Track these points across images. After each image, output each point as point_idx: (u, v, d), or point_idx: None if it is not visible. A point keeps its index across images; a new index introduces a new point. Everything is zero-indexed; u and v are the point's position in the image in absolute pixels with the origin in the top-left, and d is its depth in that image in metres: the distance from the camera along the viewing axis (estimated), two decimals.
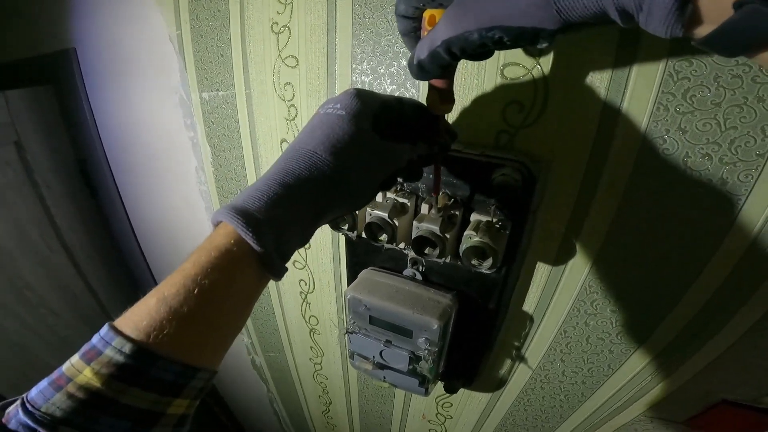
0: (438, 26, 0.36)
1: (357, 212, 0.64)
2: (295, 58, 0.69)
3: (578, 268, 0.66)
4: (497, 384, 0.92)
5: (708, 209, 0.54)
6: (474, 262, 0.59)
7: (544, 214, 0.63)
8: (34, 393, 0.29)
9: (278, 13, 0.67)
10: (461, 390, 0.95)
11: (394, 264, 0.73)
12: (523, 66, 0.54)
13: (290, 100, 0.74)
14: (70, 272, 1.40)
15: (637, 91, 0.50)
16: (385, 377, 0.80)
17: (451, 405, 1.05)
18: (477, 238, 0.56)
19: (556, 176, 0.59)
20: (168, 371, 0.31)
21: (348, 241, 0.76)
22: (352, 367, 0.84)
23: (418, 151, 0.46)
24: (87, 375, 0.28)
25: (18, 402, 0.29)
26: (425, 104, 0.47)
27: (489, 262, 0.57)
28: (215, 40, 0.76)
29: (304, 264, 0.96)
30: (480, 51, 0.36)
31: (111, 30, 0.91)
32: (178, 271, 0.33)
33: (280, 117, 0.77)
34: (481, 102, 0.58)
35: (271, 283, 1.05)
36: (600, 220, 0.60)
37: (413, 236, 0.58)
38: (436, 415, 1.10)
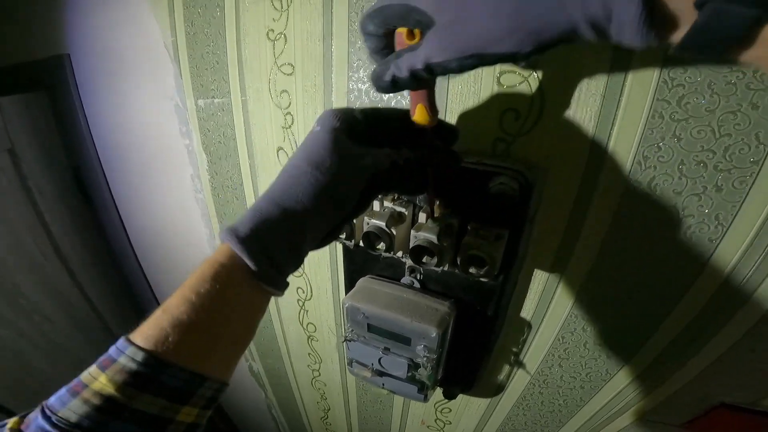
0: (419, 51, 0.37)
1: (354, 221, 0.64)
2: (291, 65, 0.69)
3: (575, 274, 0.66)
4: (496, 389, 0.92)
5: (703, 216, 0.54)
6: (472, 270, 0.59)
7: (541, 222, 0.63)
8: (53, 399, 0.31)
9: (274, 20, 0.67)
10: (460, 396, 0.96)
11: (391, 272, 0.74)
12: (520, 74, 0.54)
13: (286, 108, 0.74)
14: (64, 279, 1.39)
15: (633, 99, 0.51)
16: (384, 384, 0.80)
17: (450, 410, 1.05)
18: (474, 247, 0.56)
19: (552, 184, 0.59)
20: (176, 378, 0.33)
21: (346, 249, 0.76)
22: (350, 373, 0.84)
23: (404, 155, 0.47)
24: (102, 381, 0.31)
25: (38, 408, 0.31)
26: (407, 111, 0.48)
27: (486, 270, 0.57)
28: (211, 47, 0.76)
29: (301, 272, 0.97)
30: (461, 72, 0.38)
31: (105, 36, 0.91)
32: (182, 285, 0.36)
33: (276, 125, 0.77)
34: (477, 110, 0.59)
35: None
36: (596, 228, 0.61)
37: (411, 245, 0.59)
38: (435, 421, 1.11)
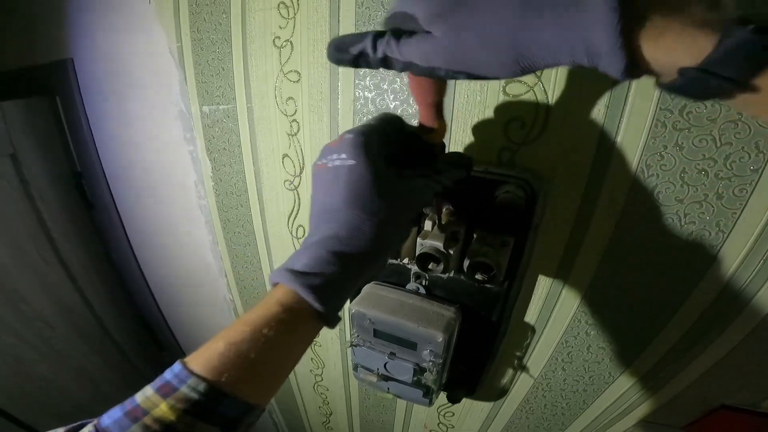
0: (405, 47, 0.37)
1: None
2: (298, 72, 0.71)
3: (579, 280, 0.68)
4: (499, 393, 0.93)
5: (704, 223, 0.55)
6: (478, 276, 0.60)
7: (545, 230, 0.64)
8: (107, 422, 0.31)
9: (280, 27, 0.68)
10: (464, 399, 0.97)
11: (397, 278, 0.75)
12: (525, 83, 0.56)
13: (292, 115, 0.75)
14: (65, 285, 1.40)
15: (636, 108, 0.52)
16: (389, 389, 0.81)
17: (453, 414, 1.06)
18: (481, 254, 0.57)
19: (557, 192, 0.61)
20: (232, 408, 0.34)
21: None
22: (354, 378, 0.85)
23: (441, 182, 0.46)
24: (163, 409, 0.31)
25: (89, 429, 0.31)
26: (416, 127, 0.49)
27: (493, 276, 0.59)
28: (216, 54, 0.77)
29: None
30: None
31: (109, 41, 0.92)
32: (243, 322, 0.37)
33: (282, 132, 0.78)
34: (483, 119, 0.60)
35: None
36: (600, 235, 0.62)
37: (417, 253, 0.60)
38: (438, 425, 1.12)
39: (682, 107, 0.50)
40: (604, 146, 0.55)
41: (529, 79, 0.55)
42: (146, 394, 0.32)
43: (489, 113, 0.59)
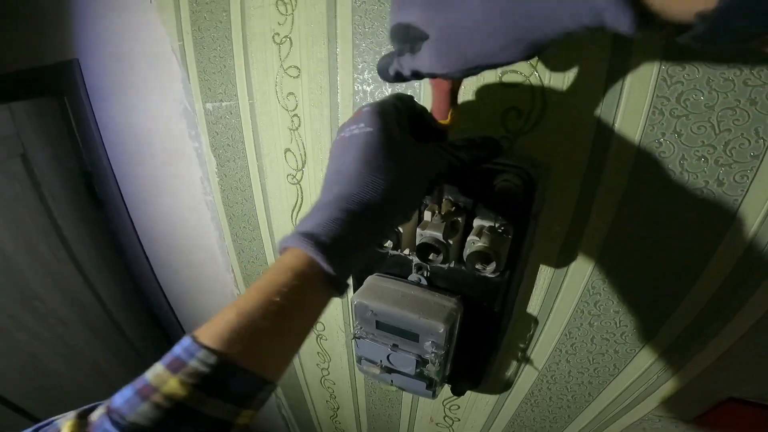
0: (419, 59, 0.38)
1: None
2: (297, 68, 0.71)
3: (580, 270, 0.67)
4: (504, 385, 0.93)
5: (706, 210, 0.55)
6: (478, 266, 0.60)
7: (545, 218, 0.64)
8: (119, 402, 0.30)
9: (279, 24, 0.69)
10: (468, 392, 0.97)
11: (399, 269, 0.75)
12: (521, 73, 0.56)
13: (293, 110, 0.76)
14: (78, 282, 1.42)
15: (633, 96, 0.52)
16: (392, 381, 0.81)
17: (459, 407, 1.06)
18: (480, 244, 0.57)
19: (556, 180, 0.60)
20: (244, 383, 0.33)
21: None
22: (359, 371, 0.85)
23: (460, 157, 0.47)
24: (173, 385, 0.30)
25: (102, 411, 0.30)
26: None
27: (492, 266, 0.59)
28: (217, 51, 0.78)
29: None
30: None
31: (114, 40, 0.93)
32: (254, 289, 0.36)
33: (283, 127, 0.78)
34: (480, 108, 0.60)
35: None
36: (600, 223, 0.62)
37: (417, 243, 0.60)
38: (444, 418, 1.12)
39: (679, 94, 0.49)
40: (602, 134, 0.55)
41: (525, 68, 0.55)
42: (156, 371, 0.31)
43: (486, 103, 0.59)
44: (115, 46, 0.94)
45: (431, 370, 0.74)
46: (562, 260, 0.68)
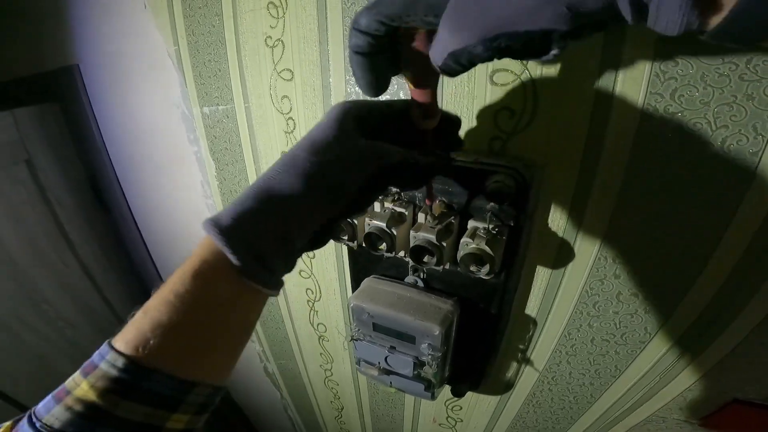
0: (436, 43, 0.33)
1: (356, 222, 0.64)
2: (290, 71, 0.70)
3: (578, 270, 0.66)
4: (505, 386, 0.92)
5: (704, 208, 0.53)
6: (472, 268, 0.59)
7: (540, 218, 0.63)
8: (40, 406, 0.30)
9: (271, 27, 0.68)
10: (470, 393, 0.96)
11: (396, 271, 0.74)
12: (512, 72, 0.54)
13: (288, 113, 0.75)
14: (85, 285, 1.43)
15: (625, 93, 0.50)
16: (391, 382, 0.80)
17: (461, 408, 1.05)
18: (473, 245, 0.56)
19: (550, 180, 0.59)
20: (162, 384, 0.31)
21: (350, 250, 0.77)
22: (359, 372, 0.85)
23: (415, 158, 0.43)
24: (84, 388, 0.29)
25: (27, 414, 0.31)
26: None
27: (486, 268, 0.57)
28: (212, 55, 0.77)
29: (309, 273, 0.97)
30: (493, 58, 0.32)
31: (112, 46, 0.93)
32: (163, 285, 0.34)
33: (279, 130, 0.78)
34: (472, 109, 0.59)
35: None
36: (596, 222, 0.60)
37: (411, 246, 0.59)
38: (447, 419, 1.11)
39: (673, 91, 0.48)
40: (596, 133, 0.54)
41: (516, 67, 0.54)
42: (73, 377, 0.31)
43: (478, 103, 0.58)
44: (114, 51, 0.93)
45: (428, 371, 0.73)
46: (559, 261, 0.66)
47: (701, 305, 0.62)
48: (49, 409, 0.29)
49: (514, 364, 0.86)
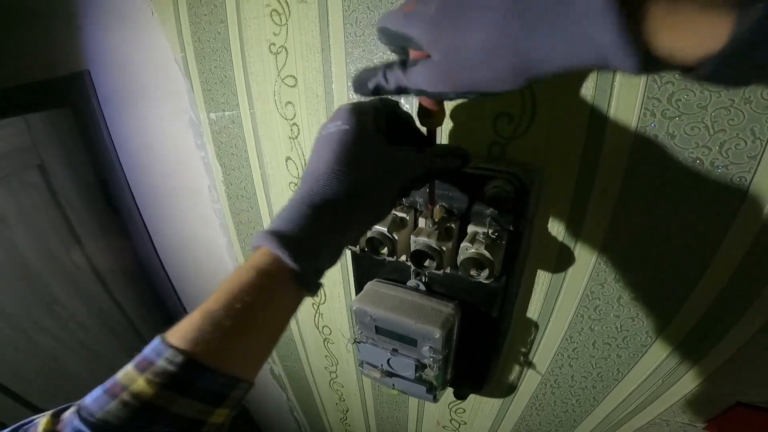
0: (411, 76, 0.37)
1: None
2: (294, 77, 0.71)
3: (578, 274, 0.66)
4: (508, 389, 0.91)
5: (704, 211, 0.53)
6: (472, 272, 0.59)
7: (540, 223, 0.63)
8: (89, 400, 0.30)
9: (274, 34, 0.68)
10: (473, 396, 0.95)
11: (398, 275, 0.74)
12: None
13: (292, 119, 0.75)
14: (96, 287, 1.44)
15: (623, 97, 0.50)
16: (393, 385, 0.80)
17: (464, 411, 1.04)
18: (473, 250, 0.56)
19: (549, 184, 0.59)
20: (213, 382, 0.33)
21: (353, 254, 0.77)
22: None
23: (436, 164, 0.46)
24: (141, 384, 0.30)
25: (73, 409, 0.31)
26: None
27: (486, 272, 0.57)
28: (218, 62, 0.78)
29: None
30: None
31: (121, 52, 0.94)
32: (221, 290, 0.35)
33: (283, 136, 0.78)
34: (471, 114, 0.59)
35: None
36: (596, 226, 0.60)
37: (411, 250, 0.59)
38: (450, 421, 1.10)
39: (669, 95, 0.47)
40: (594, 137, 0.53)
41: None
42: (126, 371, 0.31)
43: (477, 109, 0.58)
44: (123, 57, 0.94)
45: (430, 374, 0.73)
46: (559, 265, 0.66)
47: (702, 309, 0.61)
48: (103, 405, 0.30)
49: (517, 367, 0.85)
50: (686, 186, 0.52)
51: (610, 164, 0.54)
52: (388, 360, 0.76)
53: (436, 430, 1.16)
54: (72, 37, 0.98)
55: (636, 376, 0.74)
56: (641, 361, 0.71)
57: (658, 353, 0.69)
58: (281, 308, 0.38)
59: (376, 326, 0.72)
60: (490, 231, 0.57)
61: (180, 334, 0.33)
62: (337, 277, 0.93)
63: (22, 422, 0.32)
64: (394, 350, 0.74)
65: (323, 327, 1.10)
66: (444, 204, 0.61)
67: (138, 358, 0.32)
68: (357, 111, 0.42)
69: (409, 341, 0.70)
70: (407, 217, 0.62)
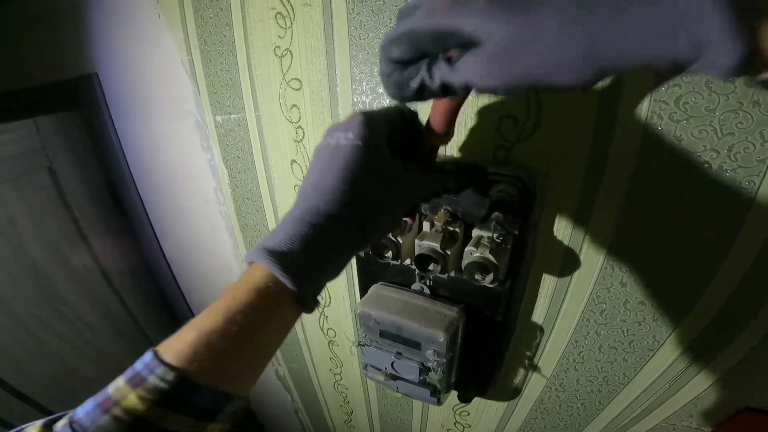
0: (459, 69, 0.32)
1: None
2: (299, 80, 0.70)
3: (584, 278, 0.65)
4: (512, 393, 0.90)
5: (712, 215, 0.52)
6: (477, 276, 0.58)
7: (545, 226, 0.62)
8: (81, 414, 0.30)
9: (279, 37, 0.68)
10: (478, 399, 0.94)
11: (402, 278, 0.73)
12: None
13: (297, 122, 0.75)
14: (103, 288, 1.45)
15: (630, 100, 0.49)
16: (398, 388, 0.80)
17: (469, 414, 1.04)
18: (477, 254, 0.55)
19: (555, 188, 0.58)
20: (207, 399, 0.32)
21: (357, 257, 0.77)
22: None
23: (445, 183, 0.45)
24: (132, 400, 0.29)
25: (65, 421, 0.30)
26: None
27: (491, 276, 0.56)
28: (224, 65, 0.78)
29: None
30: None
31: (129, 54, 0.94)
32: (216, 308, 0.34)
33: (288, 139, 0.78)
34: (476, 117, 0.58)
35: None
36: (602, 230, 0.59)
37: (415, 254, 0.58)
38: (455, 424, 1.09)
39: (677, 98, 0.46)
40: (600, 140, 0.53)
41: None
42: (117, 385, 0.31)
43: (482, 111, 0.57)
44: (131, 59, 0.94)
45: (434, 377, 0.72)
46: (565, 269, 0.65)
47: (711, 313, 0.60)
48: (94, 419, 0.29)
49: (521, 371, 0.84)
50: (694, 190, 0.51)
51: (616, 167, 0.53)
52: (392, 363, 0.75)
53: None
54: (80, 40, 0.98)
55: (643, 380, 0.73)
56: (648, 365, 0.70)
57: (666, 357, 0.68)
58: (279, 328, 0.38)
59: (380, 330, 0.71)
60: (495, 235, 0.57)
61: (174, 350, 0.32)
62: (342, 281, 0.93)
63: (12, 431, 0.31)
64: (398, 353, 0.73)
65: (328, 329, 1.09)
66: (448, 207, 0.60)
67: (130, 372, 0.31)
68: (373, 125, 0.40)
69: (413, 344, 0.69)
70: (411, 221, 0.62)
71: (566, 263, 0.64)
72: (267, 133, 0.80)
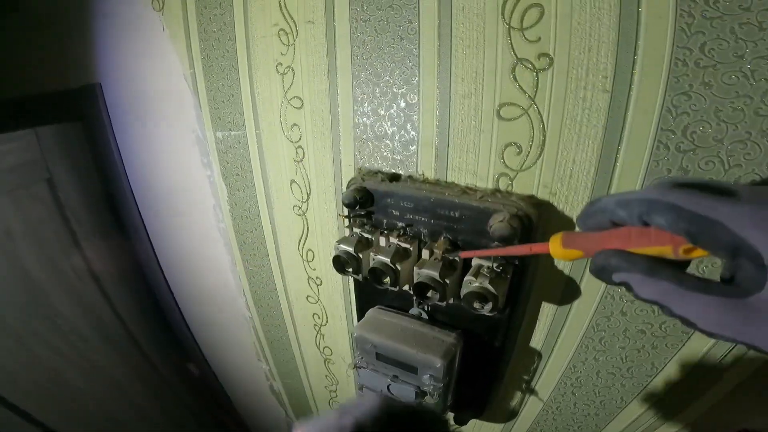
0: (694, 306, 0.26)
1: (361, 255, 0.61)
2: (300, 99, 0.68)
3: (584, 307, 0.62)
4: (509, 415, 0.88)
5: None
6: (476, 305, 0.56)
7: (546, 256, 0.59)
8: None
9: (282, 54, 0.66)
10: (474, 420, 0.91)
11: (400, 303, 0.71)
12: (519, 106, 0.51)
13: (297, 142, 0.73)
14: (99, 301, 1.41)
15: (635, 130, 0.47)
16: None
17: None
18: (477, 284, 0.53)
19: (556, 218, 0.56)
20: None
21: (355, 282, 0.74)
22: None
23: None
24: None
25: None
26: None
27: (490, 306, 0.54)
28: (225, 80, 0.76)
29: (317, 299, 0.94)
30: None
31: (132, 66, 0.92)
32: None
33: (288, 158, 0.76)
34: (479, 145, 0.56)
35: (286, 312, 1.04)
36: None
37: (414, 282, 0.56)
38: None
39: (684, 127, 0.45)
40: (604, 171, 0.51)
41: (523, 101, 0.51)
42: None
43: (485, 138, 0.55)
44: (134, 71, 0.92)
45: (430, 401, 0.70)
46: (565, 298, 0.63)
47: (710, 341, 0.58)
48: None
49: (518, 394, 0.82)
50: None
51: None
52: (389, 386, 0.72)
53: None
54: (84, 50, 0.96)
55: (640, 404, 0.71)
56: (646, 390, 0.68)
57: (664, 383, 0.66)
58: None
59: (376, 353, 0.69)
60: (495, 265, 0.54)
61: None
62: (339, 302, 0.90)
63: None
64: (395, 376, 0.71)
65: (324, 347, 1.06)
66: (448, 236, 0.58)
67: None
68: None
69: (410, 369, 0.67)
70: (411, 248, 0.60)
71: (566, 292, 0.62)
72: (267, 151, 0.78)
